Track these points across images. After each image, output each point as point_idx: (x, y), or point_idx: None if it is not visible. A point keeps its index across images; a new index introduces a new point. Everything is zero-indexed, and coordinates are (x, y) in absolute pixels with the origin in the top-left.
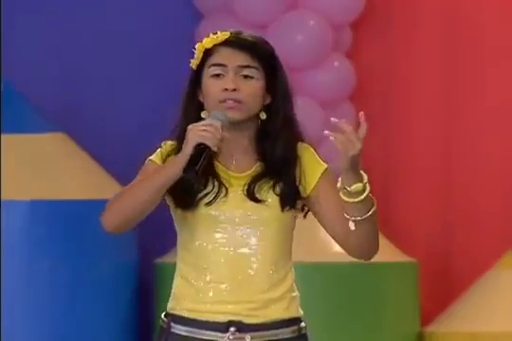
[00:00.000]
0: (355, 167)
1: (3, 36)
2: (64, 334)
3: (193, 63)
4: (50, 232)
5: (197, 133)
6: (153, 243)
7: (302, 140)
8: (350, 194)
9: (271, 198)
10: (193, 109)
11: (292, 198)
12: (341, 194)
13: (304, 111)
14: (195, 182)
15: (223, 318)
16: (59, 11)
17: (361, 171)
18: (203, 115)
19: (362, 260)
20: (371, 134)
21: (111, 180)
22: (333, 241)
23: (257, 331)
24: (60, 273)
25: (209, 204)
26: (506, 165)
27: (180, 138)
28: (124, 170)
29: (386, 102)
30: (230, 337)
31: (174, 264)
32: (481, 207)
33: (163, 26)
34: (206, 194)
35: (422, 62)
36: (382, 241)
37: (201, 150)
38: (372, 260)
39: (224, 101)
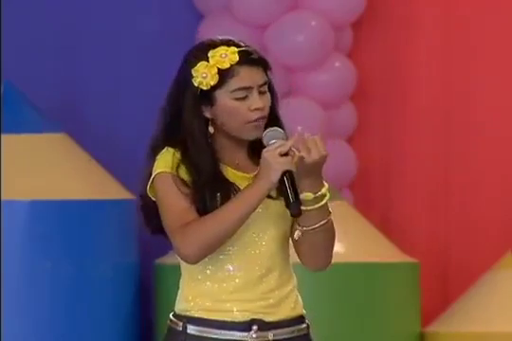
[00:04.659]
0: (308, 175)
1: (3, 36)
2: (64, 334)
3: (205, 84)
4: (50, 232)
5: (279, 160)
6: (153, 244)
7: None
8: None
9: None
10: (199, 125)
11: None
12: None
13: (305, 111)
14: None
15: (245, 317)
16: (59, 11)
17: (322, 183)
18: (211, 130)
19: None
20: (371, 135)
21: (111, 180)
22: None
23: (277, 328)
24: (60, 273)
25: None
26: (506, 165)
27: (184, 150)
28: (125, 170)
29: (387, 103)
30: (254, 336)
31: (174, 265)
32: (481, 208)
33: (163, 26)
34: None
35: (422, 62)
36: (383, 241)
37: (286, 176)
38: (373, 261)
39: (254, 121)
